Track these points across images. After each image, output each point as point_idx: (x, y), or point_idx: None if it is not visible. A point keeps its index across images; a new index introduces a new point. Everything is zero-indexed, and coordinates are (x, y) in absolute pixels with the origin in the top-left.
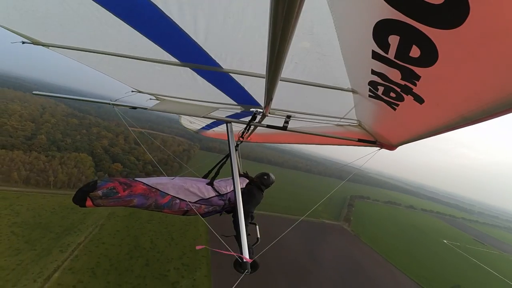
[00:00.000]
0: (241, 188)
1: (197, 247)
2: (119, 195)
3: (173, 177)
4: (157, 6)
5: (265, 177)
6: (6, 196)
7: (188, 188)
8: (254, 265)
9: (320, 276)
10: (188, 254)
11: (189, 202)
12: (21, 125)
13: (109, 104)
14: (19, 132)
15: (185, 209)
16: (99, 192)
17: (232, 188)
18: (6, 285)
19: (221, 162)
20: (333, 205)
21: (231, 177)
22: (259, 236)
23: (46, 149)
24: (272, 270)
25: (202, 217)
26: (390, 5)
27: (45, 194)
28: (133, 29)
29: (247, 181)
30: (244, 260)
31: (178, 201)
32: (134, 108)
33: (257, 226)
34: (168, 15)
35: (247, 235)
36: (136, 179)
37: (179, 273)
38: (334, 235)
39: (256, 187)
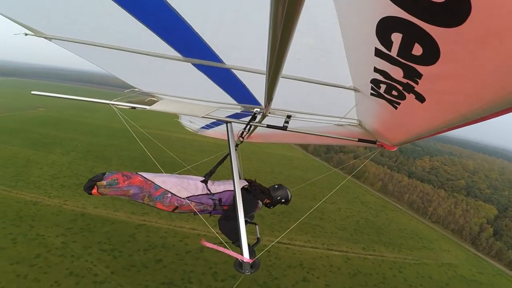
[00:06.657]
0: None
1: (202, 242)
2: (119, 185)
3: (171, 174)
4: None
5: (276, 186)
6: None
7: (180, 183)
8: (254, 265)
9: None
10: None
11: (179, 197)
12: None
13: (108, 104)
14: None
15: (176, 204)
16: (104, 182)
17: (224, 189)
18: None
19: (220, 162)
20: None
21: (230, 180)
22: (259, 236)
23: (462, 193)
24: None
25: (194, 214)
26: (393, 3)
27: (418, 220)
28: (137, 21)
29: (243, 184)
30: (245, 261)
31: (169, 195)
32: (134, 108)
33: (257, 226)
34: (174, 7)
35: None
36: (139, 173)
37: None
38: None
39: (252, 193)
